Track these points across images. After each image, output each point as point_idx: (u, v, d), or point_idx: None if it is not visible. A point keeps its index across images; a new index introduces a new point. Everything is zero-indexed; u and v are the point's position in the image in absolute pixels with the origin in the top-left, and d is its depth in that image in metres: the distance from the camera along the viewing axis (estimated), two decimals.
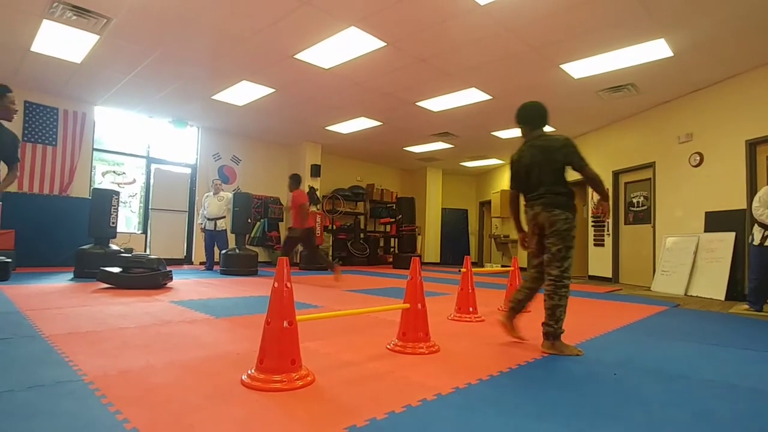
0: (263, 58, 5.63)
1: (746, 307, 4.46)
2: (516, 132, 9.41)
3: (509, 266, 4.30)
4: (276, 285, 1.73)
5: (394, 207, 11.90)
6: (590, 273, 8.30)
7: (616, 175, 7.67)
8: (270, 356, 1.72)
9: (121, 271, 4.62)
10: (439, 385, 1.77)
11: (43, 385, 1.61)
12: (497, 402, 1.63)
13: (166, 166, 8.69)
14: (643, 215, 7.26)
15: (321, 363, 2.03)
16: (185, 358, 2.05)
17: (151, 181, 8.36)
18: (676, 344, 2.81)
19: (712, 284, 5.57)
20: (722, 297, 5.35)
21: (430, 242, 12.52)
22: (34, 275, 5.58)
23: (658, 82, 5.94)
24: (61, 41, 5.26)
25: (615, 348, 2.62)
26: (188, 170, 9.09)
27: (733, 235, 5.53)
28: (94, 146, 7.91)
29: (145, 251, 7.97)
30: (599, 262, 8.09)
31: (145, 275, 4.62)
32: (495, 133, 8.68)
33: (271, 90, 6.75)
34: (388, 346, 2.38)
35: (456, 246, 13.03)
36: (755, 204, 4.41)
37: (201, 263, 8.47)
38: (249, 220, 7.53)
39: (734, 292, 5.36)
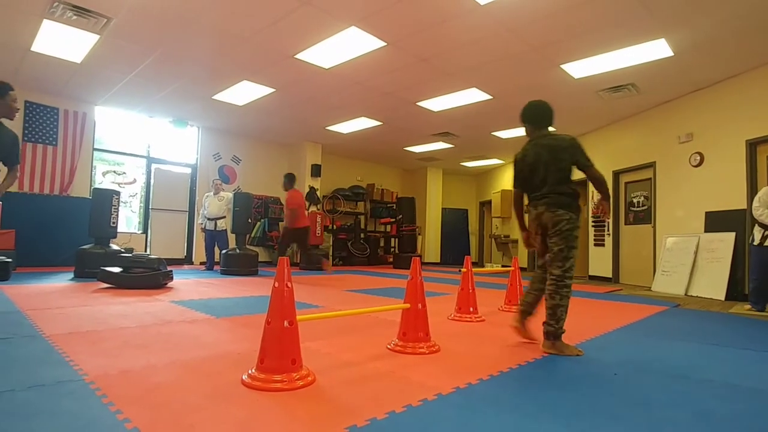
0: (263, 58, 5.63)
1: (748, 307, 4.46)
2: (516, 132, 9.40)
3: (510, 266, 4.30)
4: (276, 285, 1.73)
5: (394, 207, 11.90)
6: (590, 273, 8.29)
7: (617, 175, 7.67)
8: (270, 356, 1.72)
9: (121, 271, 4.62)
10: (439, 385, 1.77)
11: (44, 385, 1.61)
12: (498, 402, 1.63)
13: (167, 166, 8.70)
14: (644, 215, 7.26)
15: (321, 363, 2.03)
16: (186, 358, 2.05)
17: (152, 181, 8.37)
18: (676, 344, 2.81)
19: (713, 284, 5.57)
20: (722, 297, 5.35)
21: (431, 242, 12.52)
22: (34, 275, 5.59)
23: (659, 82, 5.94)
24: (61, 41, 5.26)
25: (615, 348, 2.62)
26: (188, 170, 9.09)
27: (733, 235, 5.53)
28: (95, 146, 7.91)
29: (145, 251, 7.98)
30: (599, 262, 8.09)
31: (146, 275, 4.62)
32: (495, 133, 8.67)
33: (272, 90, 6.75)
34: (389, 346, 2.38)
35: (456, 246, 13.03)
36: (755, 204, 4.41)
37: (201, 263, 8.47)
38: (249, 220, 7.53)
39: (734, 292, 5.36)
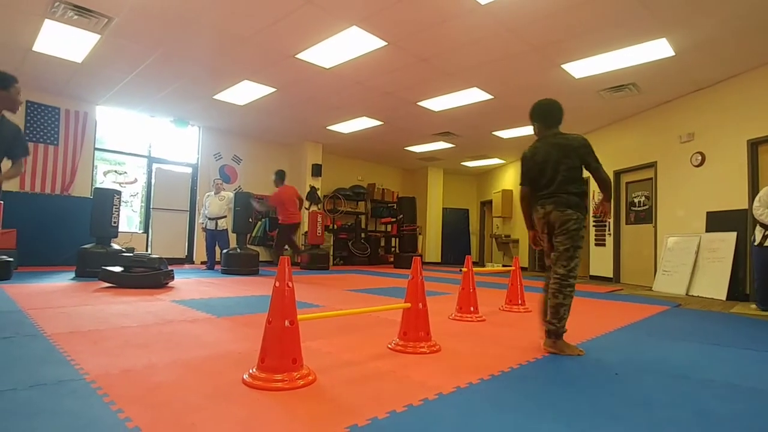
0: (264, 58, 5.64)
1: (754, 306, 4.48)
2: (517, 132, 9.37)
3: (510, 266, 4.30)
4: (277, 284, 1.73)
5: (395, 207, 11.91)
6: (591, 273, 8.29)
7: (618, 174, 7.66)
8: (271, 355, 1.72)
9: (122, 271, 4.62)
10: (440, 385, 1.77)
11: (45, 384, 1.61)
12: (498, 401, 1.63)
13: (168, 166, 8.70)
14: (645, 215, 7.25)
15: (322, 362, 2.03)
16: (187, 357, 2.06)
17: (153, 181, 8.37)
18: (677, 344, 2.81)
19: (714, 284, 5.56)
20: (723, 297, 5.34)
21: (431, 242, 12.52)
22: (35, 274, 5.59)
23: (660, 82, 5.93)
24: (62, 41, 5.27)
25: (616, 348, 2.62)
26: (189, 170, 9.10)
27: (734, 235, 5.52)
28: (96, 146, 7.92)
29: (146, 250, 7.98)
30: (600, 262, 8.08)
31: (147, 274, 4.62)
32: (496, 133, 8.66)
33: (272, 89, 6.76)
34: (389, 346, 2.38)
35: (457, 246, 13.02)
36: (756, 204, 4.41)
37: (202, 263, 8.48)
38: (250, 220, 7.54)
39: (735, 292, 5.35)
